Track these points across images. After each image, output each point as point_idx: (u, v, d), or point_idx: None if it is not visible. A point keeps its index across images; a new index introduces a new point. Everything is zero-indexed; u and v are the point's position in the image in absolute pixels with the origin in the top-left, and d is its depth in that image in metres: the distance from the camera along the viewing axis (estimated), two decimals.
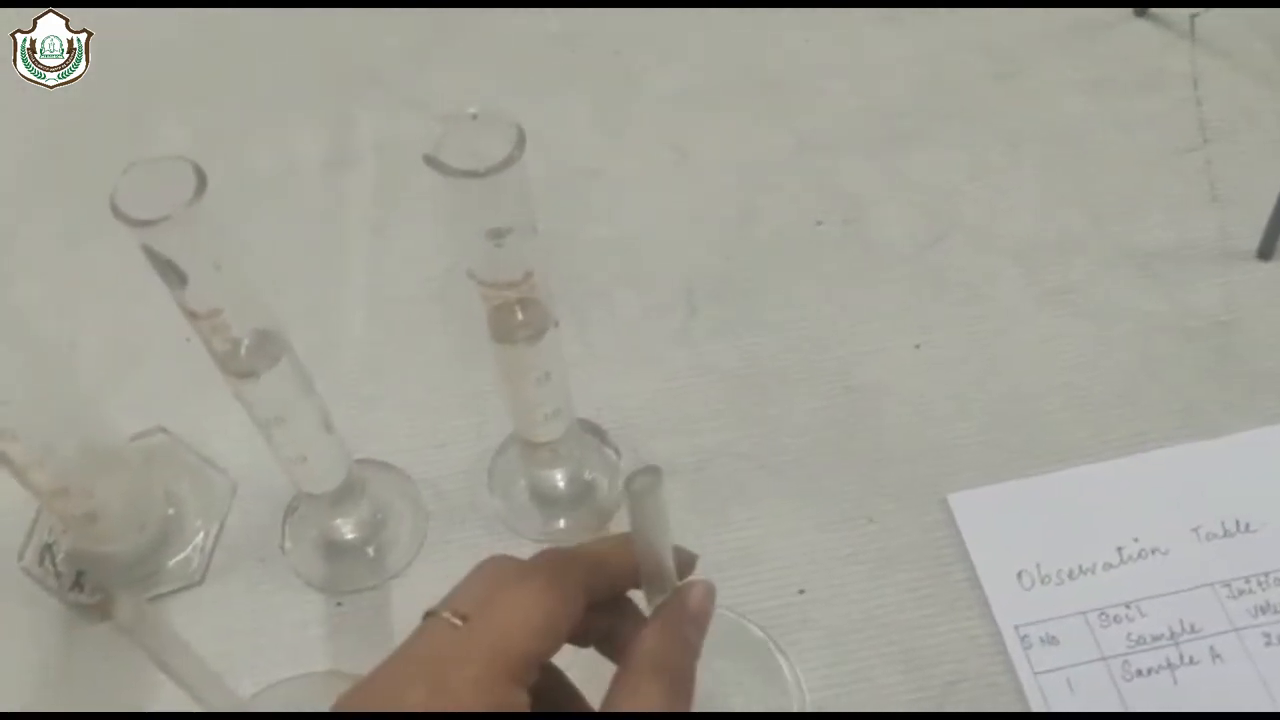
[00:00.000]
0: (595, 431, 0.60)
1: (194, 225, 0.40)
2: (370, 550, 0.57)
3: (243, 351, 0.45)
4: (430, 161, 0.40)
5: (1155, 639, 0.52)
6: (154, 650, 0.38)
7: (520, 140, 0.40)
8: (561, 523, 0.58)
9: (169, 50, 0.84)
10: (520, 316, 0.47)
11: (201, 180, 0.40)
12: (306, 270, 0.69)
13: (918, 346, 0.63)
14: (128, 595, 0.36)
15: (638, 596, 0.43)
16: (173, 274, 0.40)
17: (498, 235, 0.42)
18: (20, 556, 0.58)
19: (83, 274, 0.69)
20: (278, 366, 0.46)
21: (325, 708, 0.51)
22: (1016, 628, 0.53)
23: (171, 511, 0.59)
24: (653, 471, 0.36)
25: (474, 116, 0.41)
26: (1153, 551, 0.55)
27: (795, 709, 0.51)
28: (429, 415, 0.62)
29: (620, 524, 0.57)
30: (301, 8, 0.84)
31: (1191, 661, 0.51)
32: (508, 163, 0.40)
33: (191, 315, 0.43)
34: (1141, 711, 0.50)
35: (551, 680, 0.39)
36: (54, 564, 0.57)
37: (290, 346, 0.47)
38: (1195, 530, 0.55)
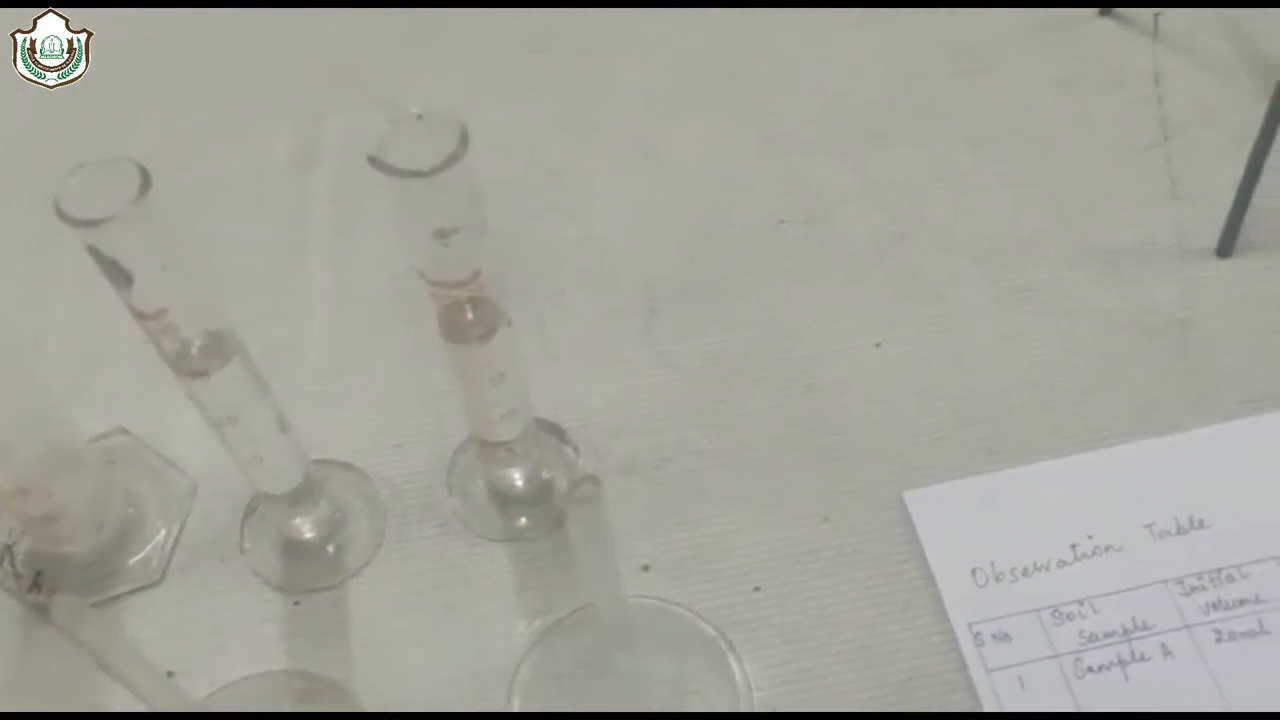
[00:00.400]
0: (554, 431, 0.60)
1: (138, 225, 0.40)
2: (329, 549, 0.57)
3: (194, 351, 0.45)
4: (374, 162, 0.40)
5: (1107, 636, 0.52)
6: (94, 650, 0.38)
7: (464, 139, 0.40)
8: (521, 521, 0.58)
9: (140, 51, 0.83)
10: (470, 316, 0.47)
11: (146, 180, 0.40)
12: (269, 269, 0.69)
13: (879, 345, 0.63)
14: (65, 596, 0.36)
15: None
16: (118, 274, 0.40)
17: (444, 235, 0.42)
18: None
19: (45, 275, 0.69)
20: (229, 366, 0.47)
21: (281, 707, 0.51)
22: (970, 625, 0.53)
23: (131, 511, 0.59)
24: (593, 481, 0.37)
25: (419, 117, 0.41)
26: (1107, 549, 0.55)
27: (744, 709, 0.51)
28: (388, 415, 0.62)
29: None
30: (273, 8, 0.84)
31: (1143, 658, 0.52)
32: (451, 161, 0.40)
33: (138, 315, 0.43)
34: (1097, 711, 0.50)
35: None
36: (13, 565, 0.57)
37: (243, 347, 0.47)
38: (1149, 527, 0.55)
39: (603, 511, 0.38)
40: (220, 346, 0.47)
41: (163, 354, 0.45)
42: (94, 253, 0.40)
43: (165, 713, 0.52)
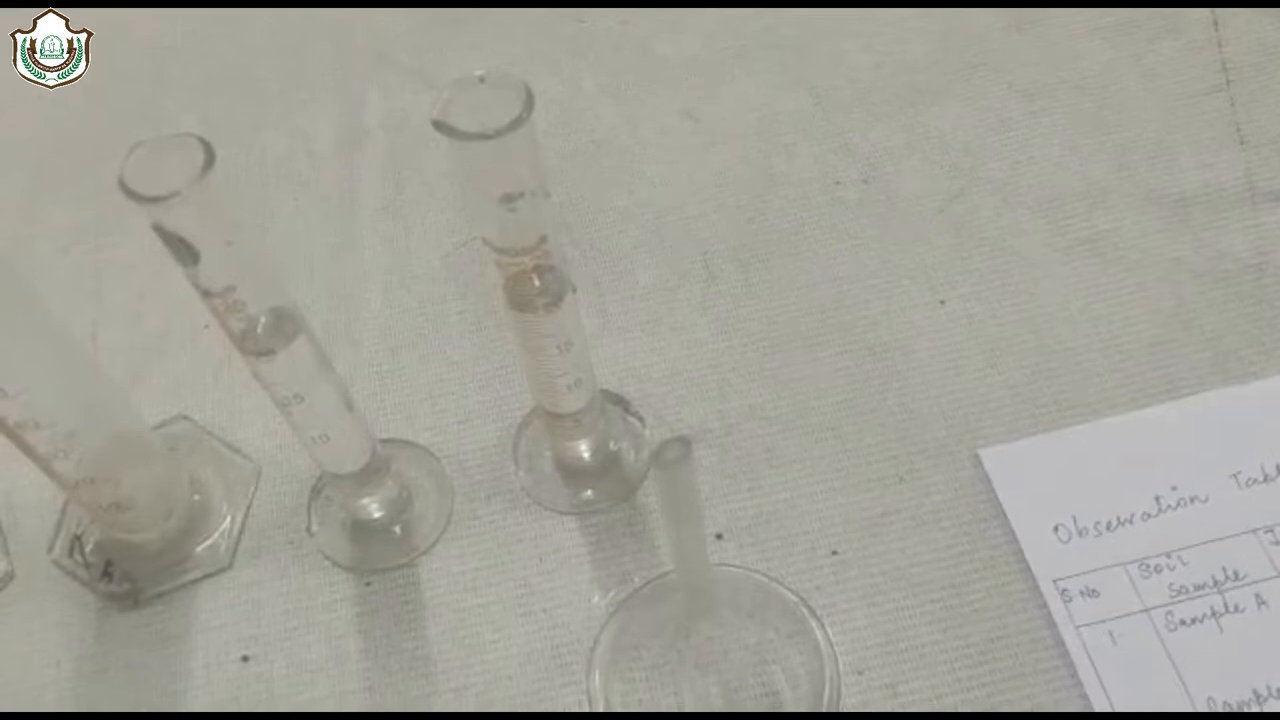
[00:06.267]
0: (619, 402, 0.59)
1: (203, 201, 0.39)
2: (397, 529, 0.57)
3: (259, 329, 0.45)
4: (439, 126, 0.39)
5: (1198, 588, 0.51)
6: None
7: (529, 100, 0.39)
8: (589, 493, 0.57)
9: (176, 40, 0.83)
10: (537, 283, 0.46)
11: (209, 155, 0.39)
12: (323, 253, 0.68)
13: (943, 302, 0.62)
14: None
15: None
16: (185, 251, 0.40)
17: (510, 200, 0.41)
18: (50, 549, 0.58)
19: (101, 268, 0.69)
20: (294, 344, 0.46)
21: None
22: (1055, 581, 0.52)
23: (197, 498, 0.59)
24: (683, 442, 0.36)
25: (481, 79, 0.40)
26: (1192, 500, 0.54)
27: (829, 674, 0.50)
28: (451, 392, 0.61)
29: (647, 492, 0.57)
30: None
31: (1236, 609, 0.50)
32: (517, 123, 0.39)
33: (205, 294, 0.42)
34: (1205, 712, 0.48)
35: None
36: (83, 555, 0.57)
37: (306, 324, 0.47)
38: (1235, 476, 0.54)
39: (692, 473, 0.37)
40: (284, 325, 0.46)
41: (229, 333, 0.45)
42: (160, 230, 0.40)
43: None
